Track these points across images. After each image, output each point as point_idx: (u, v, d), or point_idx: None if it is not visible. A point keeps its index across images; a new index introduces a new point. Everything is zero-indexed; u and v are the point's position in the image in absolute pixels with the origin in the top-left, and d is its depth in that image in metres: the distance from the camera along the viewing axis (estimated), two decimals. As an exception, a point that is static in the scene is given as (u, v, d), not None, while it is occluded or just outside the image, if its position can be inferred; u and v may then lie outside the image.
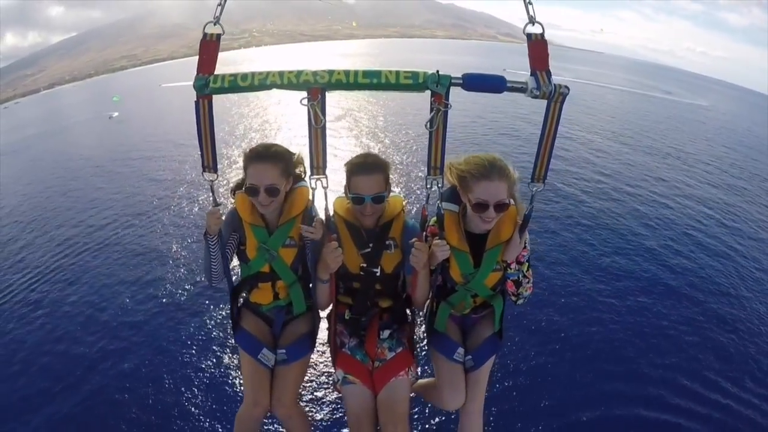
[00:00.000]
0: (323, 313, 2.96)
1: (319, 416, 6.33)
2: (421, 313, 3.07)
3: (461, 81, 2.13)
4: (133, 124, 33.23)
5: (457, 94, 2.20)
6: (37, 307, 9.89)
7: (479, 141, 20.74)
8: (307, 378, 6.62)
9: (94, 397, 7.21)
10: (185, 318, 8.85)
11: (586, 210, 13.21)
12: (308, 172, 2.37)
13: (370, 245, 2.64)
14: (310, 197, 2.53)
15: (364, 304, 2.77)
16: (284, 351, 2.73)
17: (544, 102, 2.12)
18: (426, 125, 2.16)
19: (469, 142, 20.11)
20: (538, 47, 2.11)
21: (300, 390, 2.86)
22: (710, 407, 6.76)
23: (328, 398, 6.61)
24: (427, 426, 6.09)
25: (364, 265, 2.66)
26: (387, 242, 2.66)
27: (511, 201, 2.52)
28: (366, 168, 2.54)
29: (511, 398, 6.58)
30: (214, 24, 2.20)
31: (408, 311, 2.96)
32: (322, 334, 2.94)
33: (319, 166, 2.28)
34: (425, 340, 2.96)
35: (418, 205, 10.23)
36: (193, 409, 6.78)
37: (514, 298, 2.70)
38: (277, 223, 2.67)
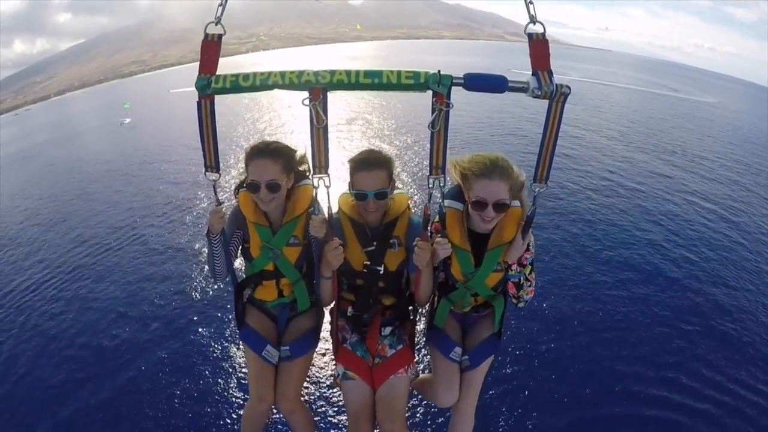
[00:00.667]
0: (326, 309, 2.95)
1: (321, 410, 6.38)
2: (423, 311, 3.05)
3: (462, 81, 2.11)
4: (144, 129, 33.55)
5: (463, 95, 2.20)
6: (44, 305, 10.06)
7: (485, 141, 20.73)
8: (310, 373, 6.68)
9: (103, 390, 7.33)
10: (193, 314, 8.98)
11: (592, 207, 13.19)
12: (311, 171, 2.37)
13: (374, 243, 2.62)
14: (315, 199, 2.53)
15: (367, 302, 2.76)
16: (288, 347, 2.73)
17: (547, 102, 2.11)
18: (428, 126, 2.16)
19: (474, 143, 20.09)
20: (539, 47, 2.09)
21: (303, 385, 2.88)
22: (714, 403, 6.74)
23: (330, 393, 6.65)
24: (423, 422, 6.11)
25: (368, 262, 2.64)
26: (391, 240, 2.64)
27: (515, 203, 2.49)
28: (369, 164, 2.52)
29: (507, 394, 6.57)
30: (216, 24, 2.20)
31: (410, 309, 2.94)
32: (325, 329, 2.95)
33: (321, 165, 2.27)
34: (425, 336, 2.96)
35: (420, 205, 10.25)
36: (202, 404, 6.85)
37: (515, 301, 2.66)
38: (280, 221, 2.66)
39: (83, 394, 7.30)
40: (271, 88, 2.16)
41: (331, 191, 2.34)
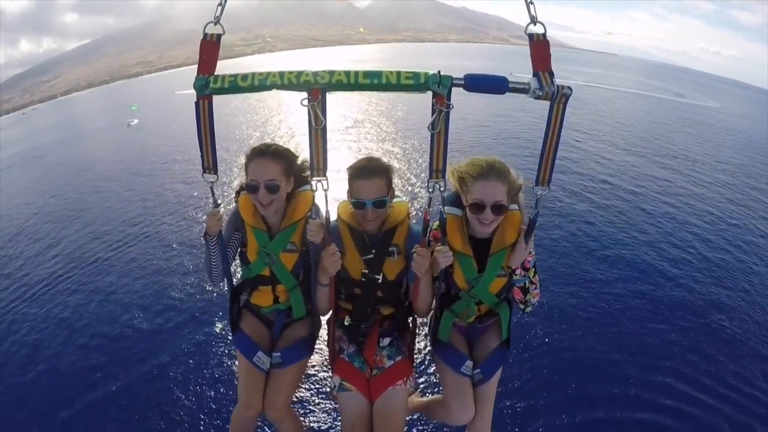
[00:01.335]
0: (323, 318, 2.89)
1: (314, 423, 6.24)
2: (423, 322, 2.99)
3: (463, 81, 2.08)
4: (151, 130, 33.60)
5: (464, 98, 2.17)
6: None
7: (487, 145, 20.59)
8: (304, 383, 6.57)
9: (92, 394, 7.28)
10: (187, 316, 8.90)
11: (591, 209, 13.11)
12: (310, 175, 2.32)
13: (373, 251, 2.57)
14: (313, 202, 2.47)
15: (365, 311, 2.70)
16: (279, 354, 2.68)
17: (548, 104, 2.08)
18: (428, 127, 2.12)
19: (475, 146, 20.01)
20: (540, 47, 2.06)
21: (295, 395, 2.82)
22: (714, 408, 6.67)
23: (324, 405, 6.51)
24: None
25: (366, 271, 2.59)
26: (390, 248, 2.59)
27: (513, 207, 2.48)
28: (367, 172, 2.48)
29: (517, 402, 6.50)
30: (215, 24, 2.18)
31: (410, 319, 2.88)
32: (322, 339, 2.89)
33: (319, 167, 2.23)
34: (427, 350, 2.88)
35: (420, 209, 10.19)
36: (191, 408, 6.77)
37: (522, 306, 2.60)
38: (279, 226, 2.63)
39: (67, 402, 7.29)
40: (269, 88, 2.14)
41: (330, 195, 2.29)
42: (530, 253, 2.46)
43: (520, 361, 7.24)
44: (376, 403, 2.58)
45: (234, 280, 2.77)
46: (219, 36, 2.20)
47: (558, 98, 2.05)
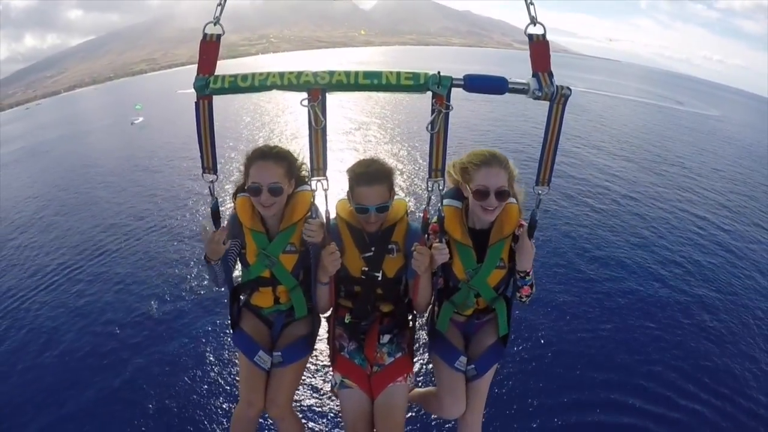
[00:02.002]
0: (323, 316, 2.88)
1: (315, 420, 6.27)
2: (423, 318, 2.98)
3: (462, 82, 2.08)
4: (156, 129, 33.74)
5: (464, 100, 2.18)
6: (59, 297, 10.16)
7: (486, 146, 20.60)
8: (304, 381, 6.58)
9: (92, 393, 7.30)
10: (190, 311, 8.97)
11: (587, 215, 13.23)
12: (309, 174, 2.33)
13: (372, 249, 2.57)
14: (313, 203, 2.44)
15: (365, 309, 2.69)
16: (280, 353, 2.66)
17: (547, 104, 2.09)
18: (427, 127, 2.12)
19: (475, 147, 20.02)
20: (539, 48, 2.07)
21: (297, 393, 2.83)
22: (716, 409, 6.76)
23: (325, 402, 6.55)
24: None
25: (366, 268, 2.59)
26: (389, 246, 2.58)
27: (512, 200, 2.50)
28: (369, 178, 2.45)
29: (511, 400, 6.52)
30: (214, 24, 2.16)
31: (409, 316, 2.86)
32: (322, 336, 2.88)
33: (319, 167, 2.22)
34: (426, 344, 2.90)
35: (420, 207, 10.22)
36: (192, 405, 6.80)
37: (524, 299, 2.60)
38: (278, 228, 2.61)
39: (68, 398, 7.30)
40: (269, 88, 2.13)
41: (329, 194, 2.28)
42: None
43: (515, 361, 7.28)
44: (378, 400, 2.59)
45: (233, 280, 2.76)
46: (219, 36, 2.19)
47: (557, 99, 2.06)
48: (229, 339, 7.87)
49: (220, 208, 2.49)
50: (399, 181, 14.90)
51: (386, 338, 2.75)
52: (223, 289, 2.68)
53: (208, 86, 2.16)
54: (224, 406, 6.68)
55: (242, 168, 2.54)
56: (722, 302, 9.26)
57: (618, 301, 9.09)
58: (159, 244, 12.21)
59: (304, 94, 2.11)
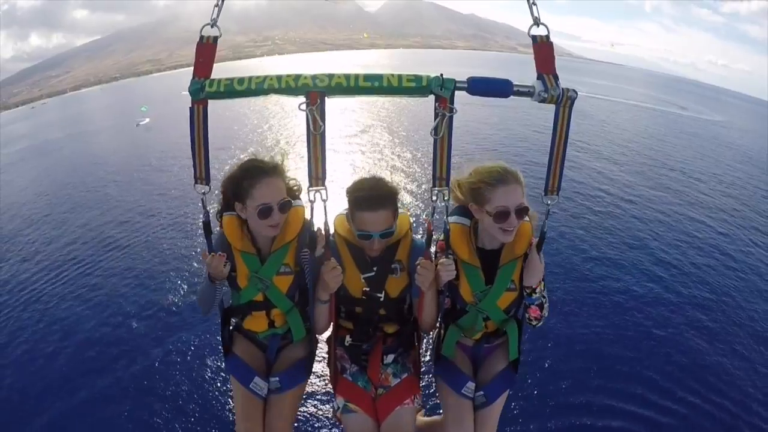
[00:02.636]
0: (322, 337, 2.70)
1: None
2: (429, 338, 2.84)
3: (466, 85, 2.02)
4: (160, 130, 33.90)
5: (468, 104, 2.11)
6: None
7: (491, 155, 20.51)
8: (304, 407, 6.34)
9: (106, 380, 7.33)
10: (180, 337, 8.60)
11: (588, 219, 13.15)
12: (306, 184, 2.16)
13: (374, 269, 2.40)
14: (307, 215, 2.30)
15: (366, 331, 2.54)
16: (278, 379, 2.49)
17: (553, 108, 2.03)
18: (431, 132, 2.05)
19: (479, 154, 19.94)
20: (543, 50, 2.00)
21: (297, 419, 2.67)
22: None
23: (327, 428, 6.27)
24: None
25: (367, 289, 2.43)
26: (393, 265, 2.41)
27: (525, 217, 2.34)
28: (373, 203, 2.28)
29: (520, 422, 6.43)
30: (211, 26, 2.09)
31: (415, 335, 2.69)
32: (321, 357, 2.73)
33: (318, 176, 2.10)
34: (432, 367, 2.71)
35: (424, 218, 10.16)
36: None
37: (534, 323, 2.43)
38: (269, 248, 2.44)
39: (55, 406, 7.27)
40: (267, 92, 2.04)
41: (328, 204, 2.16)
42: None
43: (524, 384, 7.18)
44: (385, 424, 2.44)
45: (225, 302, 2.61)
46: (216, 38, 2.12)
47: (563, 101, 2.00)
48: (214, 370, 7.57)
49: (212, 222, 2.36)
50: (401, 189, 14.74)
51: (390, 358, 2.61)
52: (209, 314, 2.50)
53: (204, 90, 2.06)
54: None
55: (225, 188, 2.38)
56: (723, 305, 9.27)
57: (626, 307, 9.05)
58: (169, 239, 12.25)
59: (302, 98, 2.02)
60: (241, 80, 2.06)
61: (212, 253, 2.26)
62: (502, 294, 2.36)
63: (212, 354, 7.80)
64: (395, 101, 31.81)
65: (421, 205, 13.81)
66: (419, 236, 2.54)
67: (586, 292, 9.47)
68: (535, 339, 7.64)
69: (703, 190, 17.69)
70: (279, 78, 2.03)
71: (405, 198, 14.44)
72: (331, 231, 2.34)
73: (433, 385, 2.85)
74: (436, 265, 2.26)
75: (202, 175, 2.22)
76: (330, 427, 6.25)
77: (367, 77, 2.01)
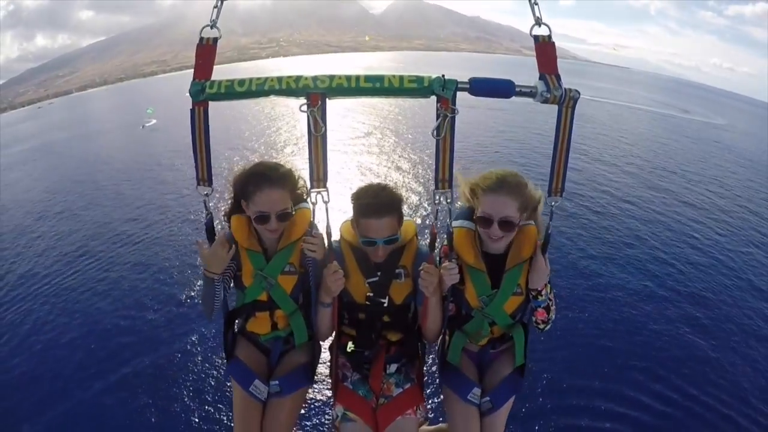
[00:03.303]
0: (325, 344, 2.69)
1: None
2: (433, 348, 2.77)
3: (468, 85, 2.00)
4: (166, 131, 34.05)
5: (471, 105, 2.08)
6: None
7: (497, 156, 20.51)
8: (304, 414, 6.26)
9: (126, 370, 7.35)
10: (187, 336, 8.61)
11: (590, 220, 13.23)
12: (308, 188, 2.17)
13: (378, 274, 2.39)
14: (312, 219, 2.32)
15: (369, 337, 2.52)
16: (277, 383, 2.46)
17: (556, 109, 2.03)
18: (432, 133, 2.03)
19: (485, 155, 19.92)
20: (546, 50, 1.99)
21: (295, 426, 2.63)
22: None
23: None
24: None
25: (371, 294, 2.41)
26: (397, 271, 2.41)
27: (530, 222, 2.35)
28: (377, 210, 2.27)
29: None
30: (211, 27, 2.07)
31: (419, 345, 2.66)
32: (324, 366, 2.67)
33: (319, 178, 2.09)
34: (436, 376, 2.68)
35: (428, 221, 10.21)
36: None
37: (542, 326, 2.41)
38: (276, 247, 2.43)
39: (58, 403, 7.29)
40: (267, 94, 2.04)
41: (330, 207, 2.15)
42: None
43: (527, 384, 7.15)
44: None
45: (228, 304, 2.60)
46: (215, 40, 2.12)
47: (566, 101, 1.99)
48: (215, 372, 7.57)
49: (216, 223, 2.36)
50: (404, 192, 14.75)
51: (393, 368, 2.58)
52: (213, 317, 2.47)
53: (204, 92, 2.06)
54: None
55: (235, 185, 2.38)
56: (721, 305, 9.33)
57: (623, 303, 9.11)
58: (181, 236, 12.35)
59: (303, 100, 2.01)
60: (241, 82, 2.06)
61: (199, 241, 2.29)
62: (508, 298, 2.34)
63: (216, 354, 7.82)
64: (398, 102, 31.81)
65: (426, 207, 13.78)
66: (425, 242, 2.49)
67: (590, 291, 9.49)
68: (539, 340, 7.64)
69: (703, 192, 17.68)
70: (280, 79, 2.02)
71: (411, 199, 14.44)
72: (335, 235, 2.32)
73: (439, 394, 2.79)
74: (440, 270, 2.23)
75: (204, 176, 2.22)
76: (330, 432, 6.22)
77: (368, 78, 2.00)
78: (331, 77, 2.00)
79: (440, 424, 2.81)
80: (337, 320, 2.46)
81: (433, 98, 2.02)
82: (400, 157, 20.89)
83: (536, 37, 1.99)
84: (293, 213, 2.37)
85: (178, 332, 8.57)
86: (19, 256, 12.77)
